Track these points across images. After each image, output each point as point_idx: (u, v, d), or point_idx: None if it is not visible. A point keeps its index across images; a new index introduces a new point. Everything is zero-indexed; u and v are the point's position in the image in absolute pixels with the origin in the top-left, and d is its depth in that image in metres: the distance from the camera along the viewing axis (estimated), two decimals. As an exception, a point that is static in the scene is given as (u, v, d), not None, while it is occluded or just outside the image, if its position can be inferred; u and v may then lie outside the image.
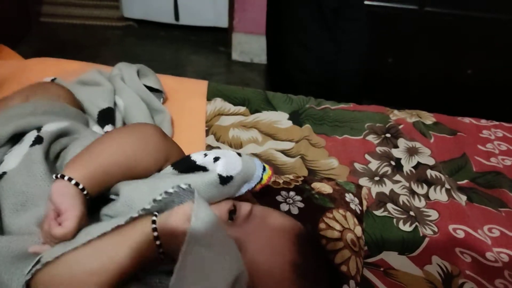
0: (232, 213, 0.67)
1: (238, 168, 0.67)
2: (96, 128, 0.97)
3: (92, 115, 1.00)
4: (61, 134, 0.82)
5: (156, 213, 0.61)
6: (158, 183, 0.67)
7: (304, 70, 1.80)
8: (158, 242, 0.59)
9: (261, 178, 0.71)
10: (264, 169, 0.72)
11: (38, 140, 0.76)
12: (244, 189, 0.70)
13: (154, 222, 0.60)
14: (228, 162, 0.67)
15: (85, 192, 0.63)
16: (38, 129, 0.79)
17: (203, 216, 0.57)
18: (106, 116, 1.00)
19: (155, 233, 0.59)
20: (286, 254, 0.64)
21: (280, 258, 0.63)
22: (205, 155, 0.70)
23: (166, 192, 0.61)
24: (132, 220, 0.59)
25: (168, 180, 0.67)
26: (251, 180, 0.70)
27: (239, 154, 0.70)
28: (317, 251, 0.71)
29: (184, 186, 0.61)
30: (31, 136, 0.77)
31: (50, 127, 0.80)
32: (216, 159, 0.68)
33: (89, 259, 0.57)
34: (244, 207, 0.68)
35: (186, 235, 0.54)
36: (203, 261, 0.54)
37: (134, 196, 0.65)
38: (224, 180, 0.66)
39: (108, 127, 0.98)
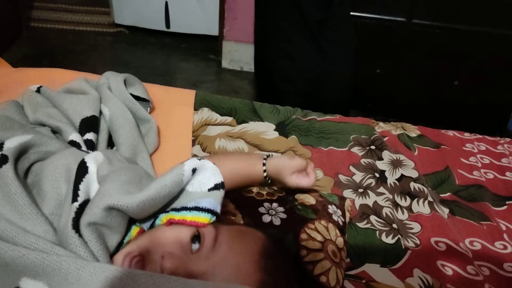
0: (196, 239, 0.67)
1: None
2: (75, 135, 0.95)
3: (74, 124, 0.98)
4: (25, 148, 0.78)
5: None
6: None
7: (289, 80, 1.81)
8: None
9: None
10: (214, 214, 0.72)
11: (3, 160, 0.72)
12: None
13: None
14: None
15: None
16: (0, 146, 0.75)
17: None
18: (89, 124, 0.99)
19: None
20: (252, 276, 0.64)
21: (247, 281, 0.63)
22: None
23: None
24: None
25: None
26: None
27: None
28: (280, 262, 0.71)
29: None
30: None
31: (12, 143, 0.76)
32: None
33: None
34: (208, 236, 0.67)
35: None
36: None
37: None
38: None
39: (90, 135, 0.97)
